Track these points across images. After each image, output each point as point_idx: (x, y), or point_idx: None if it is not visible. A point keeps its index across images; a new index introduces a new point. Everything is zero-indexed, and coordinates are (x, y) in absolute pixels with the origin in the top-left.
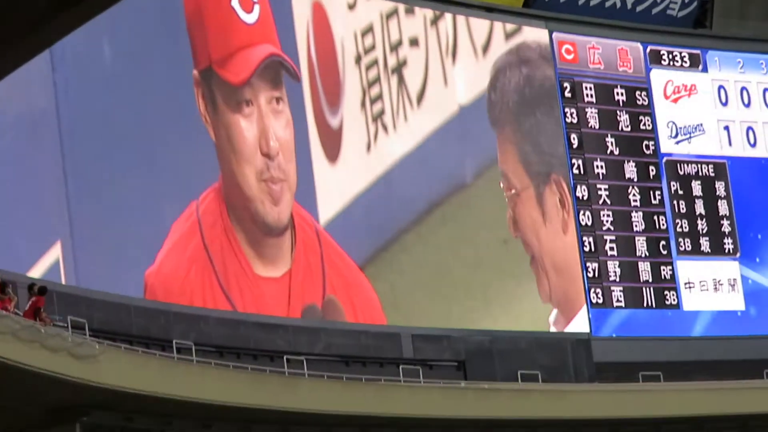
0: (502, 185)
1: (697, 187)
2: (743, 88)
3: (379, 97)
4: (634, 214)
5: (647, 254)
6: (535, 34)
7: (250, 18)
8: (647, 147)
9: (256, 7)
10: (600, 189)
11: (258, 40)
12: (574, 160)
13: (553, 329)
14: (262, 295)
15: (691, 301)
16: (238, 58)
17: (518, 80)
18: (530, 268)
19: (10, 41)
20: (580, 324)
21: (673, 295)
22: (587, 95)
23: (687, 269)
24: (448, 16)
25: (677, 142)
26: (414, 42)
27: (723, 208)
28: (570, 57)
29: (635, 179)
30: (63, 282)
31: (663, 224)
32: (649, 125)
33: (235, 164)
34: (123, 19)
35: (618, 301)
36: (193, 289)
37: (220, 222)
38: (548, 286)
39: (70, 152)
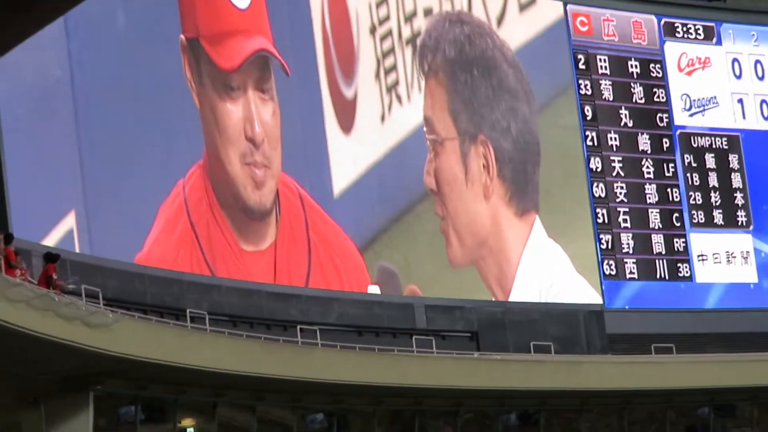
0: (424, 129)
1: (710, 160)
2: (757, 61)
3: (394, 67)
4: (647, 186)
5: (660, 226)
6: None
7: (242, 3)
8: (661, 119)
9: None
10: (613, 161)
11: (249, 27)
12: (587, 132)
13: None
14: (248, 270)
15: (704, 273)
16: (228, 44)
17: (458, 34)
18: (441, 229)
19: (22, 7)
20: (522, 293)
21: (686, 267)
22: (601, 67)
23: (700, 241)
24: None
25: (691, 115)
26: (428, 13)
27: (736, 180)
28: (584, 29)
29: (649, 151)
30: (77, 251)
31: (676, 196)
32: (662, 98)
33: (219, 142)
34: None
35: (631, 272)
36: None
37: (206, 199)
38: (460, 250)
39: (85, 121)
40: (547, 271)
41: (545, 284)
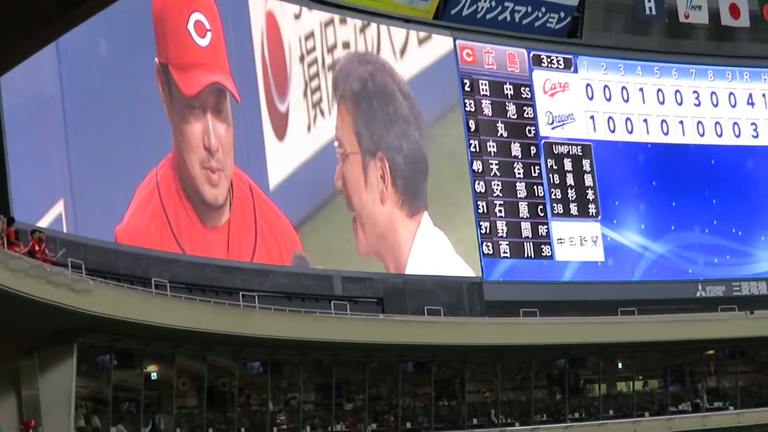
0: (335, 144)
1: (568, 164)
2: (605, 86)
3: (318, 88)
4: (518, 184)
5: (528, 216)
6: (387, 54)
7: (203, 42)
8: (529, 131)
9: (209, 34)
10: (491, 164)
11: (209, 62)
12: (471, 141)
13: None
14: (207, 243)
15: (562, 253)
16: (190, 74)
17: (363, 72)
18: (351, 227)
19: (24, 35)
20: (414, 270)
21: (548, 248)
22: (482, 89)
23: (559, 228)
24: (374, 25)
25: (553, 128)
26: (346, 45)
27: (588, 180)
28: (470, 59)
29: (519, 156)
30: (65, 231)
31: (541, 192)
32: (531, 114)
33: (183, 148)
34: (116, 20)
35: (504, 252)
36: (153, 241)
37: (174, 186)
38: (365, 242)
39: (72, 129)
40: (432, 253)
41: (432, 263)
